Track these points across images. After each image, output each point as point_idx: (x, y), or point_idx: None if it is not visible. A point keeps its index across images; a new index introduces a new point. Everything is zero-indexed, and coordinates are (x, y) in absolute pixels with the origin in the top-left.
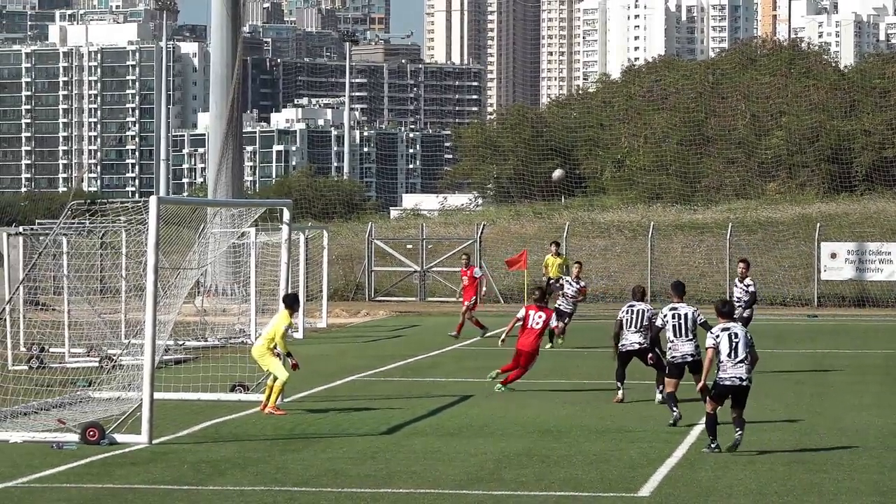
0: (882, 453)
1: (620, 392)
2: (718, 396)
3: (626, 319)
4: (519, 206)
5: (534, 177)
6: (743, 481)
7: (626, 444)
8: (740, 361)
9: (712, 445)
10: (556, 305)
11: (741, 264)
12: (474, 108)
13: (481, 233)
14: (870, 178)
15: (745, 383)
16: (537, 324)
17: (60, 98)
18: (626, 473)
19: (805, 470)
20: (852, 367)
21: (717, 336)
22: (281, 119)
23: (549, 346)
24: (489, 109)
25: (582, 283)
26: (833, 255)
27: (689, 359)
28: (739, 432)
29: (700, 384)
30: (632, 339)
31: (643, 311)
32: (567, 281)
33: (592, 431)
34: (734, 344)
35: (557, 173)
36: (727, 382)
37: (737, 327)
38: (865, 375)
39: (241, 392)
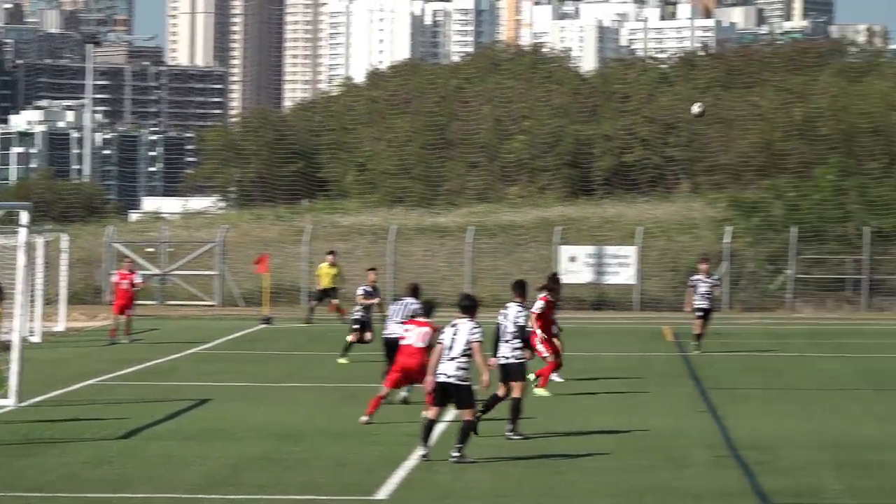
0: (619, 456)
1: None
2: (433, 394)
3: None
4: (261, 209)
5: (276, 180)
6: (481, 483)
7: (364, 446)
8: (452, 358)
9: (454, 455)
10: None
11: (703, 264)
12: (218, 111)
13: (223, 236)
14: (609, 182)
15: (450, 380)
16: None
17: None
18: (364, 477)
19: (543, 472)
20: (588, 370)
21: (445, 332)
22: (21, 121)
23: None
24: (232, 112)
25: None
26: (572, 259)
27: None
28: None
29: (428, 383)
30: (394, 330)
31: (406, 304)
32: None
33: (331, 435)
34: (452, 341)
35: (697, 108)
36: (438, 379)
37: (462, 323)
38: (601, 378)
39: None
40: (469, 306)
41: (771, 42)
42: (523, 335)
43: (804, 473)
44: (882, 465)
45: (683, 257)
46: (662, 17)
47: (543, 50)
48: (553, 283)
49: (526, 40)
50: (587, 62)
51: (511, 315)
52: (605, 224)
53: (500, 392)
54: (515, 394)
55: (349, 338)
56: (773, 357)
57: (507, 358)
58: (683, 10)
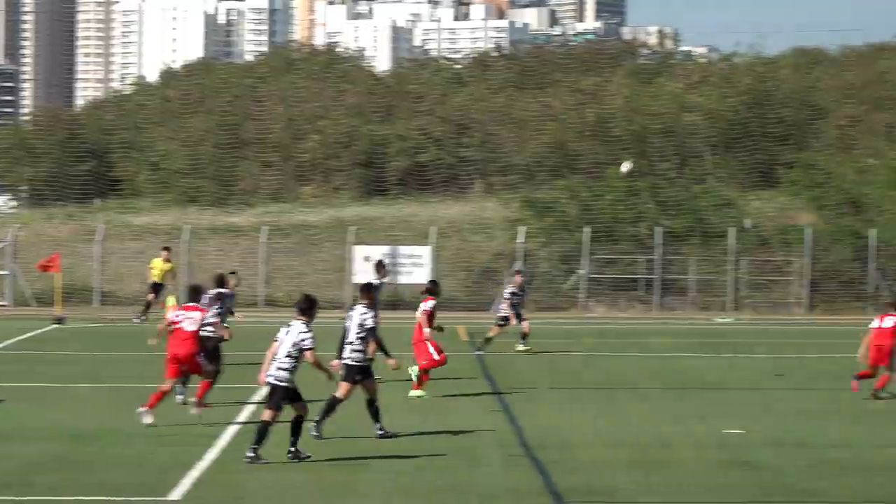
0: (415, 455)
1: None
2: (269, 396)
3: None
4: (53, 208)
5: (68, 179)
6: (277, 483)
7: (158, 447)
8: (275, 359)
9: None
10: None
11: (518, 277)
12: (9, 110)
13: (14, 235)
14: (403, 182)
15: (269, 378)
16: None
17: None
18: (158, 477)
19: (340, 472)
20: (382, 370)
21: (280, 332)
22: None
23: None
24: (24, 111)
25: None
26: (366, 259)
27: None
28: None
29: (259, 381)
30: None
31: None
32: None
33: (125, 435)
34: (280, 342)
35: (626, 167)
36: (268, 379)
37: (294, 325)
38: (397, 380)
39: None
40: (305, 308)
41: (564, 43)
42: (374, 336)
43: (597, 472)
44: (671, 462)
45: (477, 257)
46: (456, 18)
47: (337, 50)
48: (434, 286)
49: (320, 40)
50: (381, 62)
51: (356, 316)
52: (399, 224)
53: (340, 393)
54: (368, 395)
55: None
56: (567, 357)
57: (350, 359)
58: (477, 10)
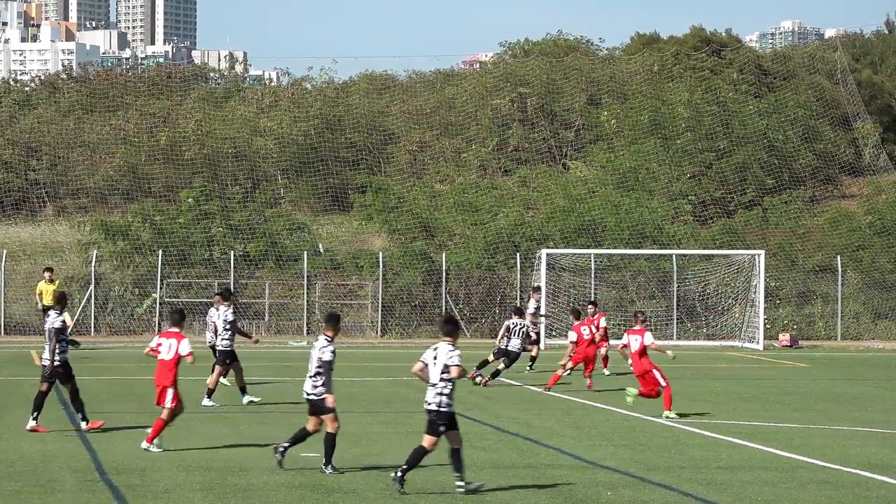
0: None
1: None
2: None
3: None
4: None
5: None
6: None
7: None
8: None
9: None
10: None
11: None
12: None
13: None
14: None
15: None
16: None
17: None
18: None
19: None
20: None
21: None
22: None
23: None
24: None
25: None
26: None
27: None
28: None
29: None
30: None
31: None
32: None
33: None
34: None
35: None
36: None
37: (441, 346)
38: None
39: None
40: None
41: (134, 66)
42: (327, 370)
43: (173, 496)
44: (248, 487)
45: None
46: (24, 39)
47: None
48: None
49: None
50: None
51: (317, 349)
52: None
53: (310, 426)
54: (329, 428)
55: None
56: (143, 381)
57: (311, 394)
58: (46, 32)
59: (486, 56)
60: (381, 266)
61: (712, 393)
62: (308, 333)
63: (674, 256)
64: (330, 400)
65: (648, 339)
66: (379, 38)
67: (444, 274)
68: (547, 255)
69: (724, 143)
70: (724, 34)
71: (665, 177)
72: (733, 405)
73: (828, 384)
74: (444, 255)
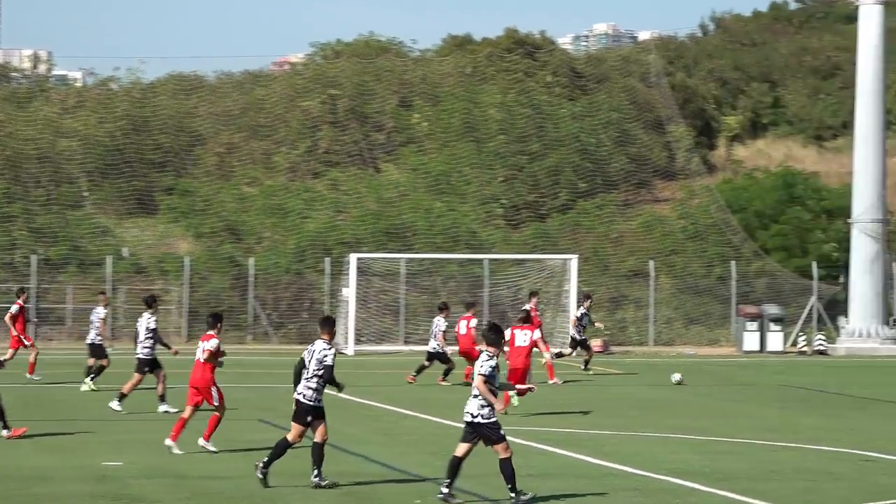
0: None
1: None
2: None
3: None
4: None
5: None
6: None
7: None
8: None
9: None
10: None
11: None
12: None
13: None
14: None
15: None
16: None
17: None
18: None
19: None
20: None
21: None
22: None
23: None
24: None
25: None
26: None
27: None
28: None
29: None
30: None
31: None
32: None
33: None
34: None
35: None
36: None
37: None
38: None
39: None
40: (493, 338)
41: None
42: (328, 375)
43: None
44: (51, 497)
45: None
46: None
47: None
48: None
49: None
50: None
51: (317, 352)
52: None
53: (290, 437)
54: (317, 438)
55: None
56: None
57: (306, 398)
58: None
59: (297, 57)
60: (187, 270)
61: (523, 399)
62: (114, 339)
63: (485, 261)
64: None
65: (537, 334)
66: (187, 39)
67: (251, 278)
68: (357, 259)
69: (537, 145)
70: (538, 36)
71: (477, 180)
72: (545, 411)
73: (640, 390)
74: (251, 259)
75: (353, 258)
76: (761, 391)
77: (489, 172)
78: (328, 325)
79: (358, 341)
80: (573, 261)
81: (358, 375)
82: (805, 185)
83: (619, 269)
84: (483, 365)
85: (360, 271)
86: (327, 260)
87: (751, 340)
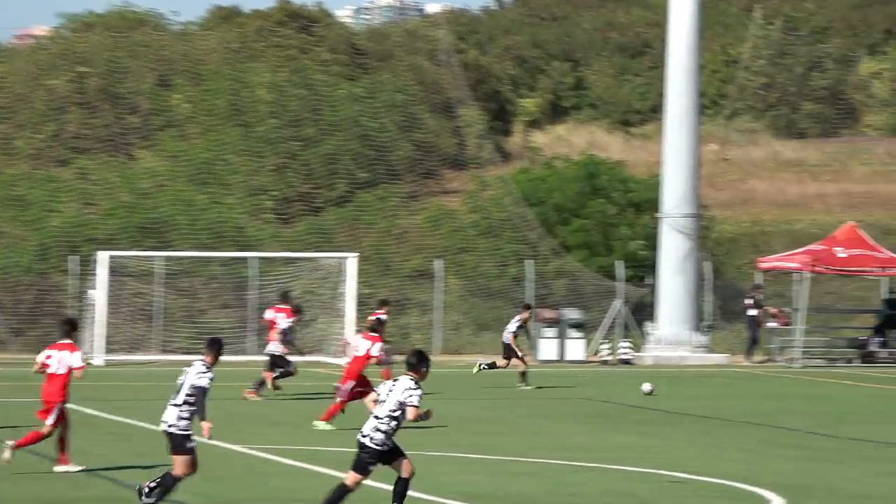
0: None
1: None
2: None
3: None
4: None
5: None
6: None
7: None
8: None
9: None
10: None
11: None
12: None
13: None
14: None
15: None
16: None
17: None
18: None
19: None
20: None
21: None
22: None
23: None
24: None
25: None
26: None
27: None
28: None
29: None
30: None
31: None
32: None
33: None
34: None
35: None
36: None
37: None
38: None
39: None
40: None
41: None
42: (201, 399)
43: None
44: None
45: None
46: None
47: None
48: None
49: None
50: None
51: (192, 373)
52: None
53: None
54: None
55: None
56: None
57: (173, 425)
58: None
59: (42, 29)
60: None
61: (295, 414)
62: None
63: (253, 260)
64: (206, 428)
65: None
66: None
67: None
68: (108, 258)
69: (311, 130)
70: (314, 8)
71: (245, 169)
72: (317, 429)
73: (426, 404)
74: None
75: (102, 256)
76: (561, 405)
77: (258, 161)
78: (214, 347)
79: (109, 350)
80: (351, 259)
81: (109, 388)
82: (610, 175)
83: (402, 268)
84: (412, 394)
85: (112, 271)
86: (74, 258)
87: (548, 348)
